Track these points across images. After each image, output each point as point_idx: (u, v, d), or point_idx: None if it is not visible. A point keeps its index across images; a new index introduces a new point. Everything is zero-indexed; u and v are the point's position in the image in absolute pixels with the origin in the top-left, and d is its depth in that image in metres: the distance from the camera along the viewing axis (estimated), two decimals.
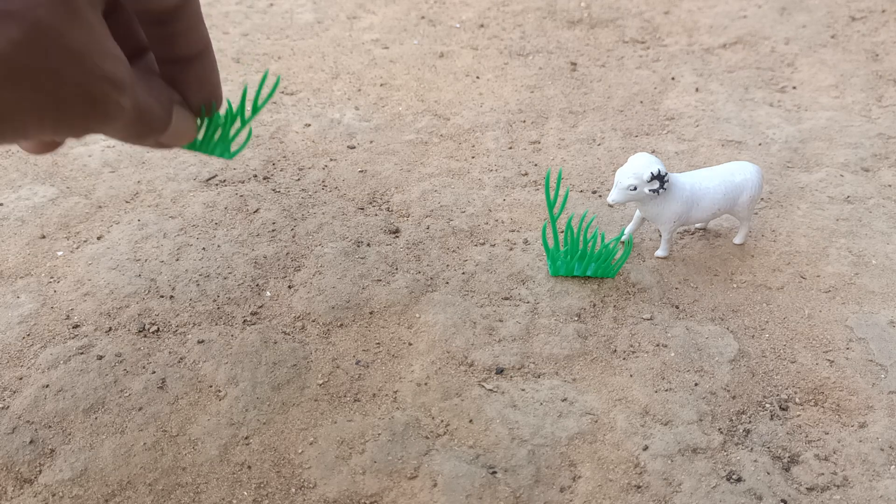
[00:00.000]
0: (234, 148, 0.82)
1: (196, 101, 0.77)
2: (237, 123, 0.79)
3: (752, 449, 0.74)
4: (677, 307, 0.90)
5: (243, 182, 1.09)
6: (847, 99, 1.31)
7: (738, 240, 0.99)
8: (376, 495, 0.70)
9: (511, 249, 0.97)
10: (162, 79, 0.77)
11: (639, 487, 0.71)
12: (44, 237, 0.97)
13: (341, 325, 0.87)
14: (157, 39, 0.75)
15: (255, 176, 1.10)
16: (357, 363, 0.82)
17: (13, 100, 0.55)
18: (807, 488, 0.71)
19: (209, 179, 1.09)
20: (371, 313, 0.88)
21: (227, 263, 0.94)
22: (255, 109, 0.80)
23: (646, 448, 0.74)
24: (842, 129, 1.22)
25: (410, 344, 0.84)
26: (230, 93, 1.30)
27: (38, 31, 0.53)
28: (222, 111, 0.78)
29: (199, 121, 0.77)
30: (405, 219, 1.02)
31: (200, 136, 0.78)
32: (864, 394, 0.80)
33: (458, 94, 1.31)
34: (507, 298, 0.90)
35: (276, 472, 0.72)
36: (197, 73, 0.77)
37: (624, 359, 0.83)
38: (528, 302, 0.90)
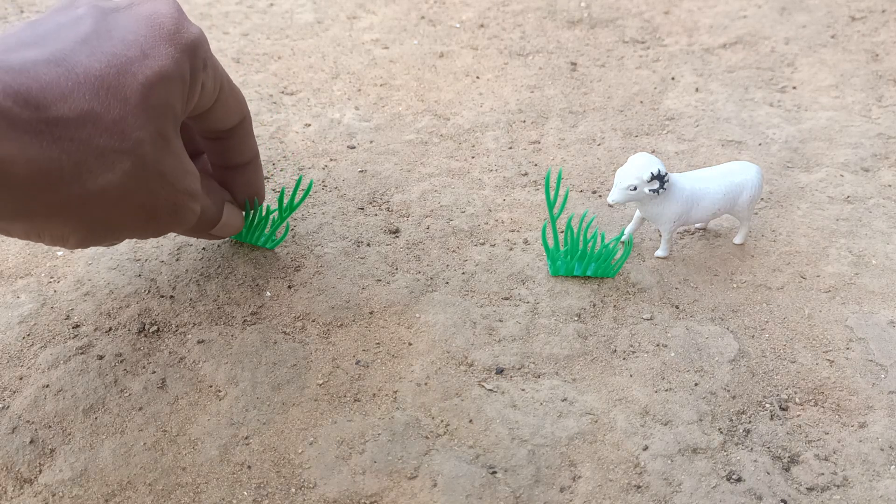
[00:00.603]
0: (276, 237, 0.96)
1: (242, 199, 0.91)
2: (267, 217, 0.93)
3: (752, 449, 0.74)
4: (677, 307, 0.90)
5: None
6: (847, 99, 1.31)
7: (738, 240, 0.99)
8: (376, 495, 0.70)
9: (511, 249, 0.97)
10: (215, 179, 0.89)
11: (639, 487, 0.71)
12: None
13: (341, 325, 0.87)
14: (213, 150, 0.88)
15: None
16: (357, 363, 0.82)
17: (119, 215, 0.66)
18: (807, 488, 0.71)
19: None
20: (371, 313, 0.88)
21: (227, 263, 0.94)
22: (292, 208, 0.94)
23: (646, 448, 0.74)
24: (842, 129, 1.22)
25: (410, 344, 0.85)
26: None
27: (143, 163, 0.65)
28: (264, 208, 0.92)
29: (246, 218, 0.91)
30: (405, 219, 1.03)
31: (246, 231, 0.94)
32: (864, 394, 0.80)
33: (458, 94, 1.31)
34: (507, 298, 0.90)
35: (276, 472, 0.72)
36: (245, 177, 0.92)
37: (624, 359, 0.83)
38: (528, 302, 0.90)
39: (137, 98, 0.63)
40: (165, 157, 0.66)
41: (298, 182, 0.93)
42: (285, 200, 0.99)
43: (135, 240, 0.97)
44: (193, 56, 0.68)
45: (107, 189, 0.62)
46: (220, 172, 0.87)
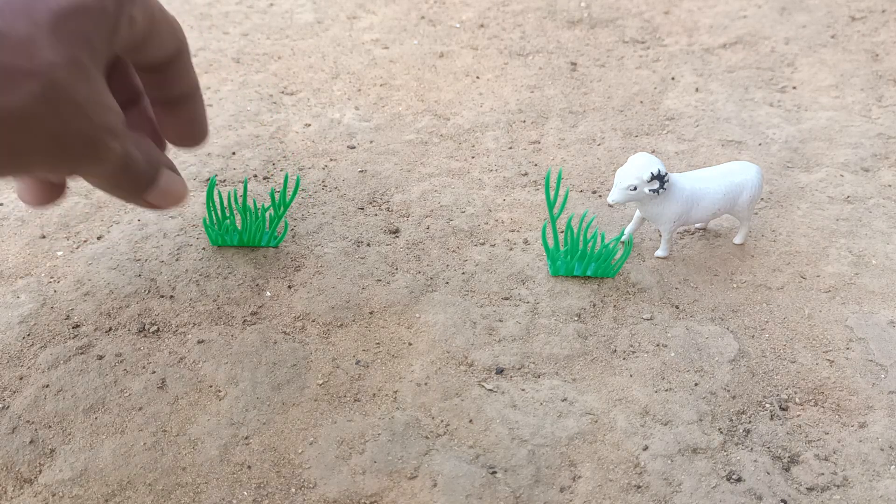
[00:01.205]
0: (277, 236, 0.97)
1: (188, 135, 0.85)
2: (263, 218, 0.94)
3: (752, 449, 0.74)
4: (677, 307, 0.90)
5: (243, 182, 1.09)
6: (847, 99, 1.31)
7: (738, 240, 0.99)
8: (376, 495, 0.70)
9: (511, 249, 0.97)
10: (156, 118, 0.85)
11: (639, 487, 0.71)
12: (44, 237, 0.97)
13: (341, 325, 0.87)
14: (152, 84, 0.85)
15: (256, 176, 1.10)
16: (357, 363, 0.82)
17: (26, 142, 0.62)
18: (807, 488, 0.71)
19: (209, 179, 1.09)
20: (371, 313, 0.88)
21: (227, 263, 0.94)
22: (286, 205, 0.95)
23: (646, 448, 0.74)
24: (842, 129, 1.22)
25: (410, 344, 0.85)
26: (230, 92, 1.30)
27: (54, 88, 0.61)
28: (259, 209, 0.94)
29: (243, 222, 0.94)
30: (405, 219, 1.03)
31: (248, 235, 0.95)
32: (864, 394, 0.80)
33: (458, 94, 1.31)
34: (507, 298, 0.90)
35: (276, 472, 0.72)
36: (188, 112, 0.89)
37: (624, 359, 0.83)
38: (528, 302, 0.90)
39: (48, 22, 0.61)
40: (80, 86, 0.64)
41: (286, 180, 0.94)
42: (277, 198, 1.00)
43: (135, 239, 0.97)
44: None
45: (13, 112, 0.60)
46: (162, 109, 0.85)
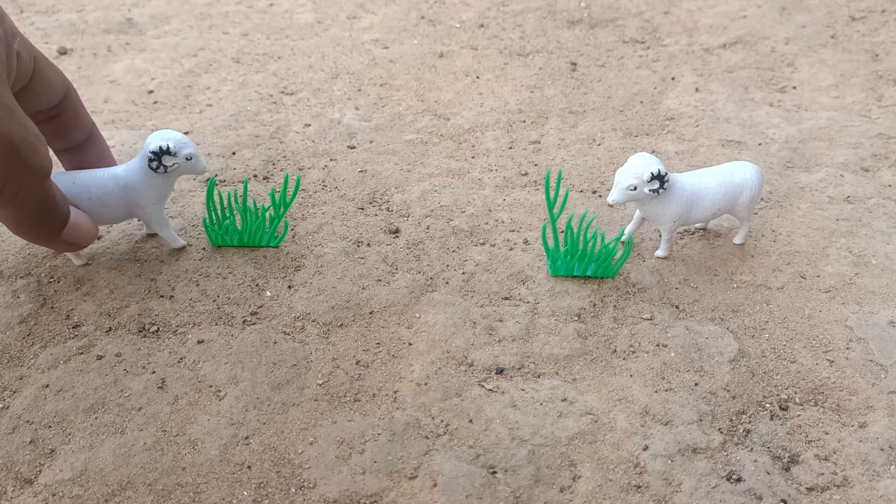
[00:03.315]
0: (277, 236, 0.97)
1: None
2: (264, 217, 0.95)
3: (752, 449, 0.74)
4: (677, 307, 0.90)
5: (243, 182, 1.09)
6: (847, 99, 1.31)
7: (738, 240, 0.99)
8: (376, 495, 0.70)
9: (511, 249, 0.97)
10: (64, 167, 0.90)
11: (639, 487, 0.71)
12: None
13: (341, 325, 0.87)
14: (52, 132, 0.88)
15: (255, 176, 1.10)
16: (357, 363, 0.82)
17: None
18: (807, 488, 0.71)
19: (209, 179, 1.09)
20: (371, 313, 0.88)
21: (227, 263, 0.94)
22: (286, 205, 0.95)
23: (646, 448, 0.74)
24: (842, 129, 1.22)
25: (410, 344, 0.85)
26: (230, 92, 1.30)
27: None
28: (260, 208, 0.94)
29: (243, 222, 0.95)
30: (405, 219, 1.03)
31: (248, 235, 0.96)
32: (864, 394, 0.80)
33: (458, 94, 1.31)
34: (507, 298, 0.90)
35: (276, 472, 0.72)
36: (95, 153, 0.92)
37: (624, 359, 0.83)
38: (528, 302, 0.90)
39: None
40: (5, 92, 0.69)
41: (286, 180, 0.94)
42: (277, 198, 1.00)
43: (135, 239, 0.97)
44: (0, 22, 0.72)
45: None
46: (68, 157, 0.90)
